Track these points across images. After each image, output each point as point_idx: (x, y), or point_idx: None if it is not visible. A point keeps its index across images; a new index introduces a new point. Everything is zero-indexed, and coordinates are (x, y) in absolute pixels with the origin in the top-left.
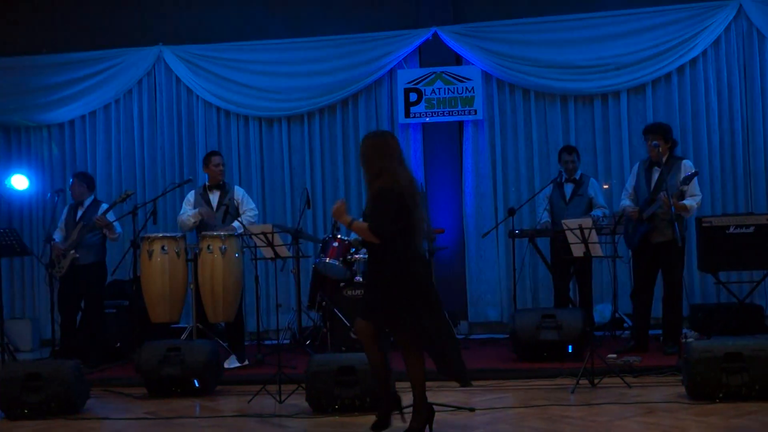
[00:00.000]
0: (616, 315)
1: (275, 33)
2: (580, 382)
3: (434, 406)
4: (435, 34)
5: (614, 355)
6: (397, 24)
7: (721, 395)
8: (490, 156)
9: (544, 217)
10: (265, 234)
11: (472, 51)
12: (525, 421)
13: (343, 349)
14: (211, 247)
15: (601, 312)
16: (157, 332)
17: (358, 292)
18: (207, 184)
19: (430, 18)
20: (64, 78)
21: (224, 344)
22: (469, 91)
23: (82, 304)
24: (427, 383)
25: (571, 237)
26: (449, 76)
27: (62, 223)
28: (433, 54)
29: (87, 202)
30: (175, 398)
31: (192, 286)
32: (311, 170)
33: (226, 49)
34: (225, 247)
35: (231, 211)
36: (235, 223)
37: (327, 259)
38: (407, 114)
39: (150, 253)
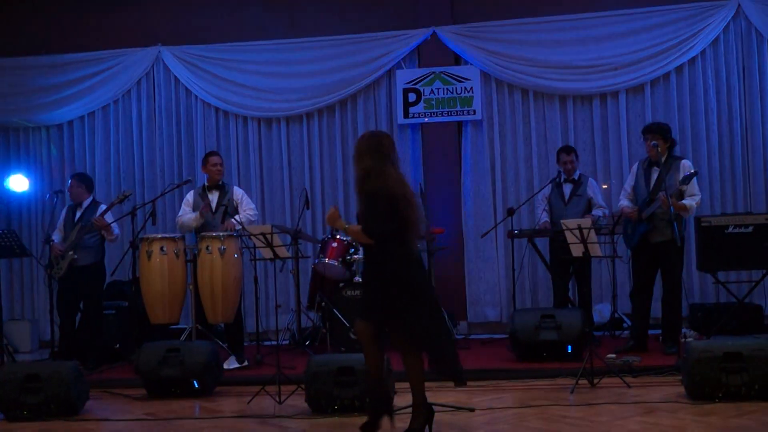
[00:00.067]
0: (616, 315)
1: (274, 33)
2: (580, 382)
3: (434, 407)
4: (434, 34)
5: (613, 355)
6: (395, 24)
7: (720, 395)
8: (489, 156)
9: (543, 217)
10: (264, 234)
11: (470, 51)
12: (524, 421)
13: (343, 349)
14: (210, 248)
15: (601, 312)
16: (157, 333)
17: (357, 292)
18: (206, 184)
19: (429, 18)
20: (63, 79)
21: (223, 345)
22: (468, 91)
23: (81, 306)
24: (427, 383)
25: (570, 237)
26: (448, 76)
27: (61, 224)
28: (432, 54)
29: (85, 203)
30: (175, 399)
31: (191, 286)
32: (310, 171)
33: (224, 50)
34: (224, 248)
35: (230, 212)
36: (235, 218)
37: (326, 260)
38: (406, 114)
39: (149, 254)
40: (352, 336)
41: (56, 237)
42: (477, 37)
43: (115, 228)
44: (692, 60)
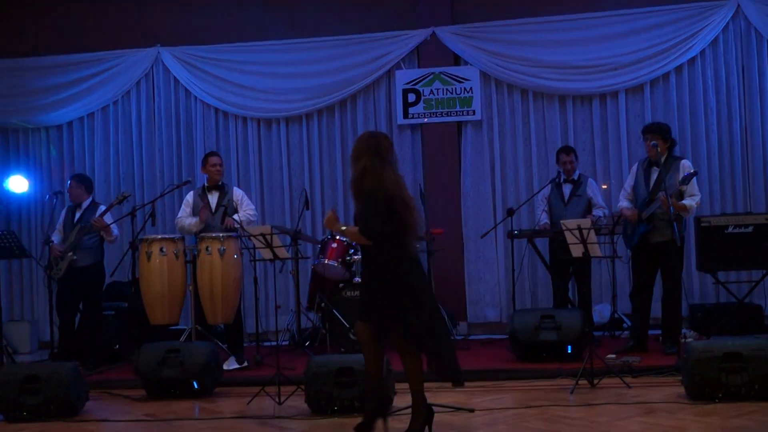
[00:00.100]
0: (615, 315)
1: (273, 34)
2: (580, 382)
3: (434, 407)
4: (433, 35)
5: (613, 356)
6: (395, 24)
7: (720, 395)
8: (489, 156)
9: (543, 218)
10: (263, 235)
11: (470, 51)
12: (524, 421)
13: (343, 350)
14: (209, 249)
15: (601, 312)
16: (156, 334)
17: (357, 293)
18: (206, 185)
19: (429, 18)
20: (63, 80)
21: (223, 346)
22: (468, 92)
23: (81, 306)
24: (427, 384)
25: (569, 237)
26: (447, 76)
27: (60, 225)
28: (432, 54)
29: (85, 204)
30: (174, 400)
31: (191, 287)
32: (310, 171)
33: (224, 50)
34: (224, 249)
35: (230, 213)
36: (235, 216)
37: (326, 260)
38: (405, 115)
39: (149, 255)
40: (352, 337)
41: (56, 238)
42: (476, 38)
43: (114, 229)
44: (692, 60)
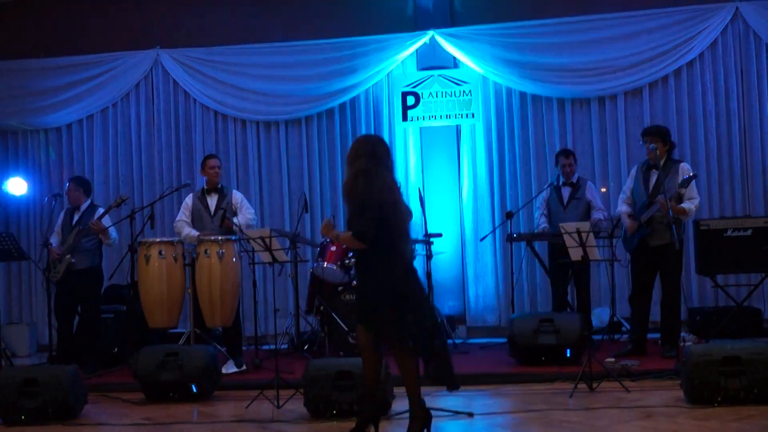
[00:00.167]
0: (615, 319)
1: (273, 36)
2: (579, 386)
3: (433, 411)
4: (432, 38)
5: (612, 359)
6: (394, 27)
7: (719, 399)
8: (488, 159)
9: (542, 222)
10: (262, 238)
11: (469, 54)
12: (524, 425)
13: (341, 353)
14: (208, 252)
15: (600, 316)
16: (155, 337)
17: (356, 296)
18: (205, 187)
19: (428, 21)
20: (62, 81)
21: (222, 349)
22: (467, 94)
23: (79, 309)
24: (426, 388)
25: (568, 240)
26: (447, 79)
27: (59, 227)
28: (431, 57)
29: (83, 207)
30: (173, 404)
31: (189, 290)
32: (309, 174)
33: (223, 53)
34: (222, 252)
35: (229, 216)
36: (234, 219)
37: (325, 264)
38: (405, 117)
39: (147, 258)
40: (351, 340)
41: (54, 240)
42: (476, 41)
43: (113, 232)
44: (690, 63)
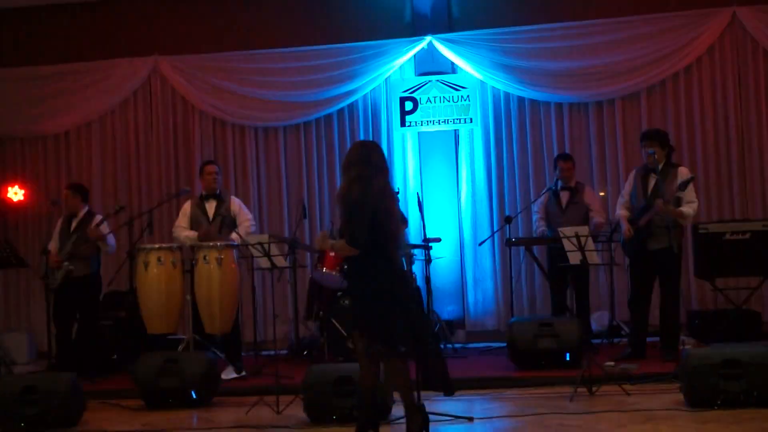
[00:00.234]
0: (614, 322)
1: (271, 43)
2: (578, 390)
3: (433, 416)
4: (430, 43)
5: (612, 363)
6: (392, 33)
7: (719, 402)
8: (486, 164)
9: (540, 225)
10: (261, 244)
11: (467, 59)
12: (524, 429)
13: (341, 359)
14: (207, 258)
15: (599, 320)
16: (154, 344)
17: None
18: (203, 193)
19: (426, 27)
20: (60, 89)
21: (221, 355)
22: (465, 99)
23: (78, 316)
24: (425, 392)
25: (567, 245)
26: (445, 84)
27: (57, 234)
28: (429, 62)
29: (81, 214)
30: (173, 410)
31: (189, 297)
32: (308, 180)
33: (222, 59)
34: (221, 258)
35: (227, 222)
36: (234, 235)
37: (324, 269)
38: (403, 122)
39: (146, 265)
40: (350, 345)
41: (52, 247)
42: (473, 46)
43: (111, 239)
44: (688, 67)
